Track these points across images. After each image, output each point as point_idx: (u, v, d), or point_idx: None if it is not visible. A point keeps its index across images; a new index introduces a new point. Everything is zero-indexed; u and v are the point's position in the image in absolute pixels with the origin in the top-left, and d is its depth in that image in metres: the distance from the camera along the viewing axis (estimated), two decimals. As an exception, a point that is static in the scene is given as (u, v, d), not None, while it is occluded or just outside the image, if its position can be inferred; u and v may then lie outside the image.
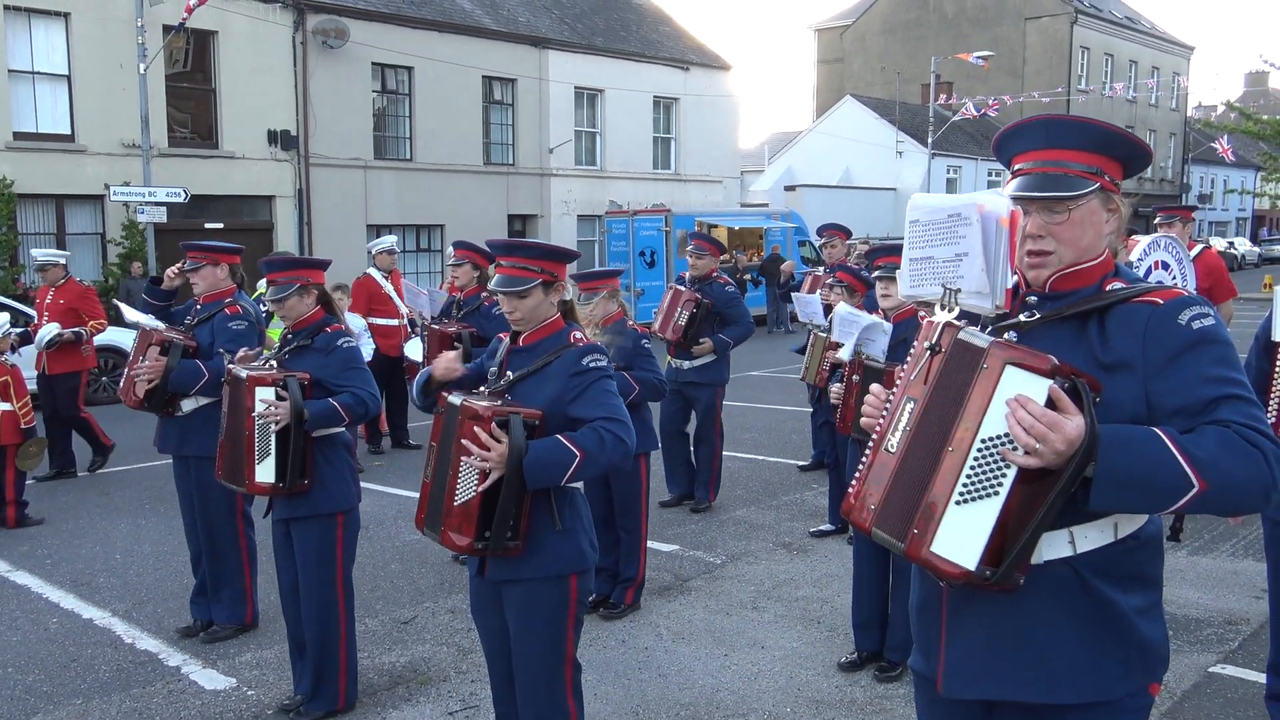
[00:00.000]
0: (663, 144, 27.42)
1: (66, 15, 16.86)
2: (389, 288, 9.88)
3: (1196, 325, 1.97)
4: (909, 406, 2.04)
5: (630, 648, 5.06)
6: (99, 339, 13.17)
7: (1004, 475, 1.89)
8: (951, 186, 38.31)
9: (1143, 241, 5.61)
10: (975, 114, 30.91)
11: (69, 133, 17.14)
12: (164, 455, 5.45)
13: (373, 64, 20.85)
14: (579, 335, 3.23)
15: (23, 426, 7.35)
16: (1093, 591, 2.04)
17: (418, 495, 3.22)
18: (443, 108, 21.94)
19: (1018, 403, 1.87)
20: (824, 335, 6.52)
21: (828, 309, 6.46)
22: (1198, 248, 7.02)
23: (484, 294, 6.66)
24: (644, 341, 5.64)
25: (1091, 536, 2.03)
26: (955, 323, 2.06)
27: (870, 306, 5.30)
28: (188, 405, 5.12)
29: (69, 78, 17.05)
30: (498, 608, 3.24)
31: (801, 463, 8.93)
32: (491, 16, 23.44)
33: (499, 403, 3.04)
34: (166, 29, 17.01)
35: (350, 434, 4.55)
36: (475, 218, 21.97)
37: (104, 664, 4.97)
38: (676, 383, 7.40)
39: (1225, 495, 1.87)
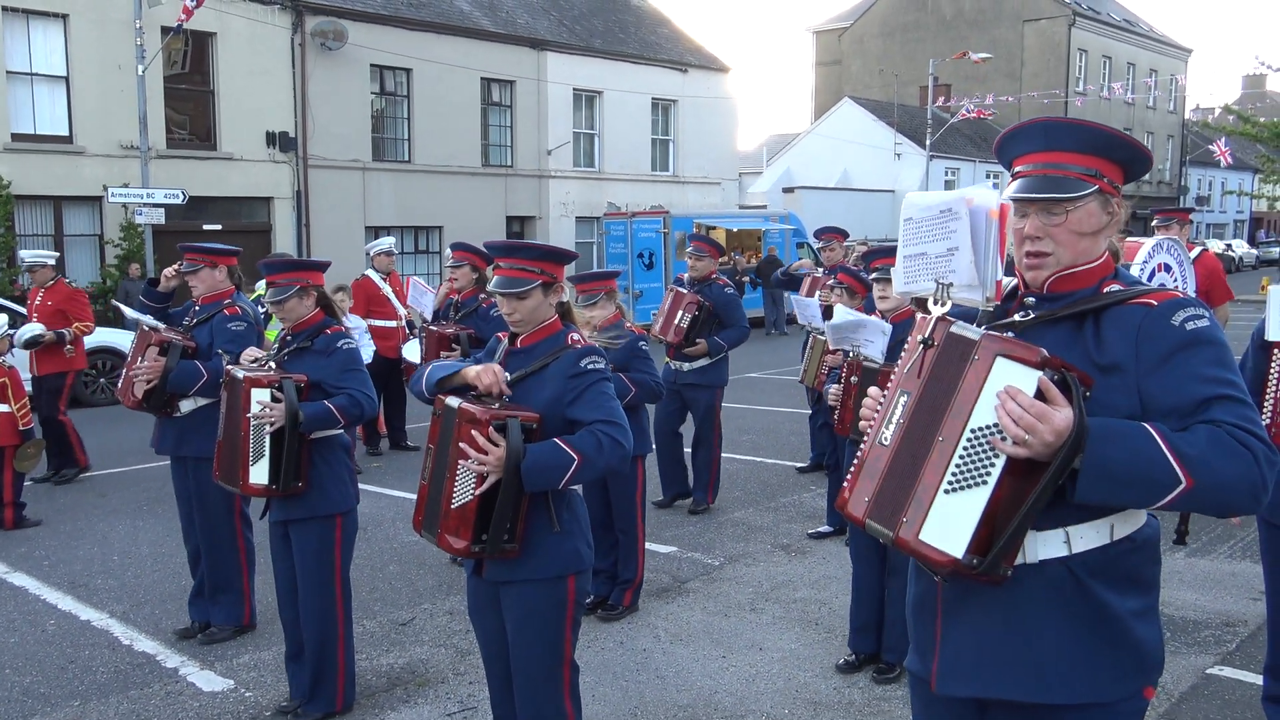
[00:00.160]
0: (661, 146, 27.44)
1: (65, 16, 16.87)
2: (387, 289, 9.87)
3: (1190, 326, 1.98)
4: (902, 400, 2.07)
5: (628, 649, 5.06)
6: (96, 340, 13.29)
7: (992, 465, 1.91)
8: (950, 189, 38.23)
9: (1147, 244, 5.62)
10: (971, 113, 30.95)
11: (67, 134, 17.15)
12: (161, 457, 5.44)
13: (371, 66, 20.87)
14: (577, 337, 3.23)
15: (21, 428, 7.35)
16: (1088, 592, 2.04)
17: (415, 497, 3.22)
18: (441, 109, 21.95)
19: (1007, 394, 1.89)
20: (823, 338, 6.52)
21: (827, 311, 6.45)
22: (1196, 250, 7.04)
23: (482, 295, 6.66)
24: (641, 343, 5.64)
25: (1088, 537, 2.04)
26: (948, 317, 2.09)
27: (871, 308, 5.31)
28: (186, 406, 5.12)
29: (67, 79, 17.06)
30: (496, 609, 3.24)
31: (800, 464, 8.94)
32: (490, 18, 23.46)
33: (497, 405, 3.04)
34: (165, 30, 17.02)
35: (349, 435, 4.55)
36: (473, 219, 21.98)
37: (102, 665, 4.96)
38: (675, 384, 7.40)
39: (1213, 494, 1.88)
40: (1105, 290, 2.09)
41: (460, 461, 2.96)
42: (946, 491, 1.93)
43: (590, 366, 3.12)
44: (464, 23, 22.50)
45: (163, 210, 16.32)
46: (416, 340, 8.21)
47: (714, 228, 22.57)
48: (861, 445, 2.14)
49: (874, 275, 4.83)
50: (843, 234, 9.13)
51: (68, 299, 8.94)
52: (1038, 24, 45.06)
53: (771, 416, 11.59)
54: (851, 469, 2.13)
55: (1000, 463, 1.90)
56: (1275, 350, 3.81)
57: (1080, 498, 1.90)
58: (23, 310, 11.61)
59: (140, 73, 16.07)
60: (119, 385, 5.28)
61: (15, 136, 16.47)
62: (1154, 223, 7.04)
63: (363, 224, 20.83)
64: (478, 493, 2.96)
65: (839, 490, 2.16)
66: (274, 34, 19.37)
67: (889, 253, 4.62)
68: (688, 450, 7.71)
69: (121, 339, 13.12)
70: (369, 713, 4.39)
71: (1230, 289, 7.41)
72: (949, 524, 1.92)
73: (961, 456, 1.93)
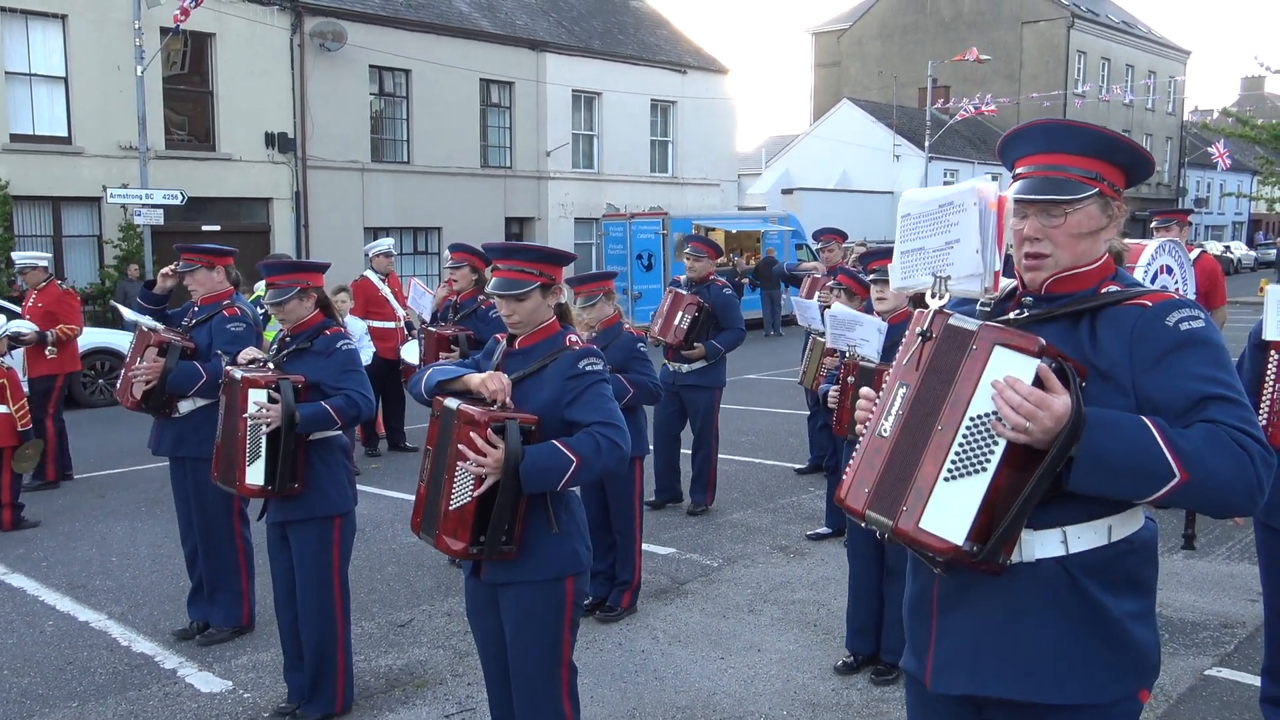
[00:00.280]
0: (660, 147, 27.44)
1: (64, 17, 16.86)
2: (386, 290, 9.87)
3: (1185, 327, 1.99)
4: (901, 391, 2.08)
5: (627, 651, 5.06)
6: (94, 341, 13.29)
7: (991, 452, 1.92)
8: (948, 190, 38.27)
9: (1150, 246, 5.64)
10: (970, 112, 30.97)
11: (66, 135, 17.14)
12: (159, 458, 5.44)
13: (370, 66, 20.86)
14: (575, 338, 3.23)
15: (19, 429, 7.35)
16: (1083, 593, 2.04)
17: (414, 499, 3.22)
18: (440, 110, 21.95)
19: (1005, 383, 1.90)
20: (823, 340, 6.52)
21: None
22: (1195, 252, 7.04)
23: (481, 297, 6.65)
24: (640, 345, 5.64)
25: (1085, 537, 2.04)
26: (946, 310, 2.11)
27: (870, 310, 5.31)
28: (185, 407, 5.12)
29: (66, 80, 17.05)
30: (494, 611, 3.24)
31: (798, 466, 8.94)
32: (489, 19, 23.46)
33: (495, 407, 3.05)
34: (164, 31, 17.01)
35: (348, 437, 4.55)
36: (472, 220, 21.97)
37: (100, 667, 4.96)
38: (674, 386, 7.39)
39: (1207, 490, 1.89)
40: (1103, 292, 2.10)
41: (459, 463, 2.96)
42: (946, 479, 1.94)
43: (588, 368, 3.12)
44: (463, 24, 22.51)
45: (161, 211, 16.30)
46: (415, 341, 8.21)
47: (713, 229, 22.55)
48: (860, 439, 2.15)
49: (871, 277, 4.83)
50: (842, 235, 9.14)
51: (57, 301, 8.88)
52: (1036, 26, 45.08)
53: (770, 418, 11.60)
54: (850, 462, 2.14)
55: (999, 450, 1.92)
56: (1272, 350, 3.82)
57: (1075, 486, 1.91)
58: (20, 311, 11.62)
59: (139, 73, 16.06)
60: (118, 386, 5.28)
61: (14, 137, 16.47)
62: (1153, 224, 7.04)
63: (361, 225, 20.82)
64: (476, 494, 2.96)
65: (838, 487, 2.17)
66: (273, 35, 19.37)
67: (886, 254, 4.63)
68: (685, 452, 7.71)
69: (120, 340, 13.12)
70: (367, 714, 4.39)
71: (1225, 292, 7.42)
72: (949, 511, 1.93)
73: (961, 444, 1.94)
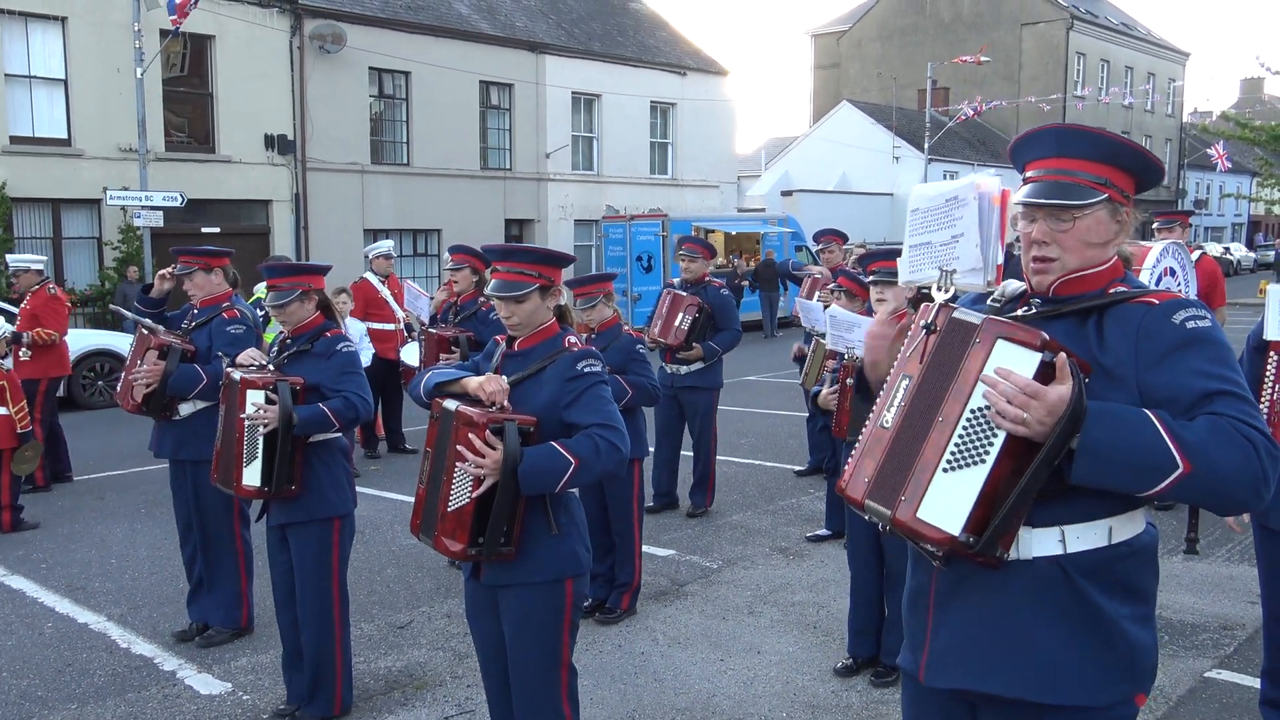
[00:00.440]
0: (660, 149, 27.45)
1: (63, 19, 16.87)
2: (385, 292, 9.87)
3: (1190, 325, 1.99)
4: (904, 383, 2.10)
5: (626, 653, 5.06)
6: (94, 343, 13.30)
7: (991, 444, 1.93)
8: (948, 191, 38.30)
9: (1156, 248, 5.65)
10: (969, 114, 31.00)
11: (65, 137, 17.14)
12: (159, 460, 5.44)
13: (370, 69, 20.87)
14: (574, 340, 3.23)
15: (19, 430, 7.35)
16: (1080, 593, 2.04)
17: (413, 500, 3.22)
18: (440, 112, 21.96)
19: (998, 375, 1.91)
20: (825, 341, 6.51)
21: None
22: (1195, 253, 7.05)
23: (481, 298, 6.65)
24: (639, 346, 5.64)
25: (1084, 538, 2.04)
26: (950, 304, 2.13)
27: (871, 312, 5.31)
28: (185, 409, 5.12)
29: (66, 82, 17.06)
30: (493, 612, 3.24)
31: (798, 468, 8.93)
32: (489, 21, 23.47)
33: (494, 408, 3.05)
34: (163, 33, 17.02)
35: (347, 438, 4.55)
36: (472, 222, 21.97)
37: (99, 669, 4.96)
38: (673, 387, 7.38)
39: (1211, 482, 1.87)
40: (1110, 293, 2.11)
41: (457, 464, 2.96)
42: (945, 470, 1.95)
43: (587, 369, 3.12)
44: (462, 26, 22.52)
45: (161, 213, 16.31)
46: (415, 343, 8.21)
47: (712, 231, 22.57)
48: (863, 429, 2.16)
49: (871, 279, 4.83)
50: (842, 237, 9.14)
51: (44, 304, 8.83)
52: (1036, 27, 45.12)
53: (769, 420, 11.59)
54: (852, 453, 2.16)
55: (999, 442, 1.93)
56: (1272, 351, 3.82)
57: (1076, 479, 1.91)
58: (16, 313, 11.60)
59: (139, 75, 16.06)
60: (118, 389, 5.27)
61: (14, 139, 16.47)
62: (1155, 226, 7.05)
63: (361, 227, 20.83)
64: (475, 496, 2.96)
65: (839, 495, 2.18)
66: (272, 37, 19.38)
67: (885, 256, 4.64)
68: (686, 454, 7.70)
69: (119, 342, 13.13)
70: (367, 716, 4.39)
71: (1224, 293, 7.43)
72: (947, 502, 1.94)
73: (961, 436, 1.95)
